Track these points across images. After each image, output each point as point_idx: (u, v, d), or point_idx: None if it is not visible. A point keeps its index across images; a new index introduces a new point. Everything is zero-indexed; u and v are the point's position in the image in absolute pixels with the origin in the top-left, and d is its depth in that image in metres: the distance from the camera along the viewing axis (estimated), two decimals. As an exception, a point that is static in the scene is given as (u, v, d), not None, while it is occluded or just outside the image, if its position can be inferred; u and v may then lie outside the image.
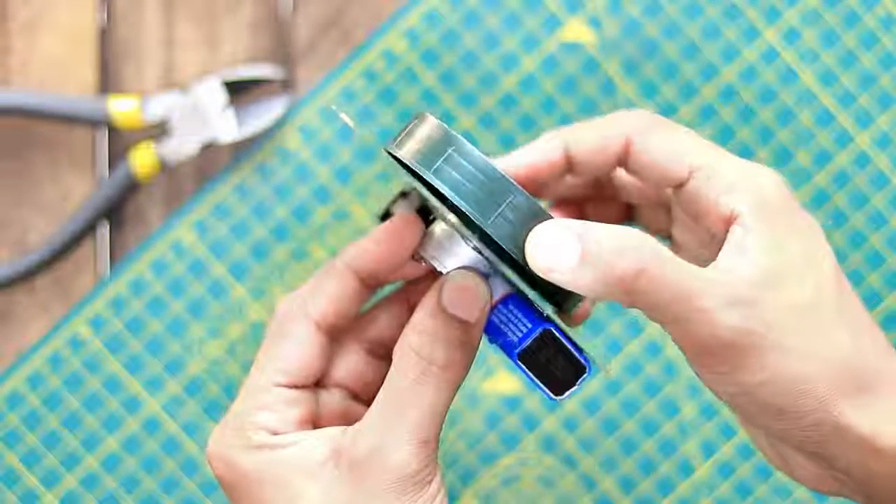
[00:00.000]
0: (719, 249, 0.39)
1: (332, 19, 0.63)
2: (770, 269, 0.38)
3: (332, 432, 0.40)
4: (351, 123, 0.40)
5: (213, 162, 0.63)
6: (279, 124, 0.62)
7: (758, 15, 0.62)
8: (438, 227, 0.42)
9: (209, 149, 0.62)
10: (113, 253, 0.63)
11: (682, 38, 0.62)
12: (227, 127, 0.61)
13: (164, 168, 0.61)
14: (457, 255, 0.41)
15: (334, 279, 0.42)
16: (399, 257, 0.42)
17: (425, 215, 0.43)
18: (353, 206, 0.62)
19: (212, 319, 0.62)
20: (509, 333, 0.40)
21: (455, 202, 0.37)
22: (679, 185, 0.41)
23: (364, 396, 0.44)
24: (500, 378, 0.62)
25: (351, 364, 0.44)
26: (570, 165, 0.43)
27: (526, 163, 0.43)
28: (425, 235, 0.42)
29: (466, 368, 0.40)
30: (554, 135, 0.43)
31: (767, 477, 0.62)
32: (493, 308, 0.41)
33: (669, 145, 0.41)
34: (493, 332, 0.41)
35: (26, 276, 0.61)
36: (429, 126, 0.39)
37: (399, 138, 0.39)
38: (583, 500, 0.63)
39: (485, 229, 0.37)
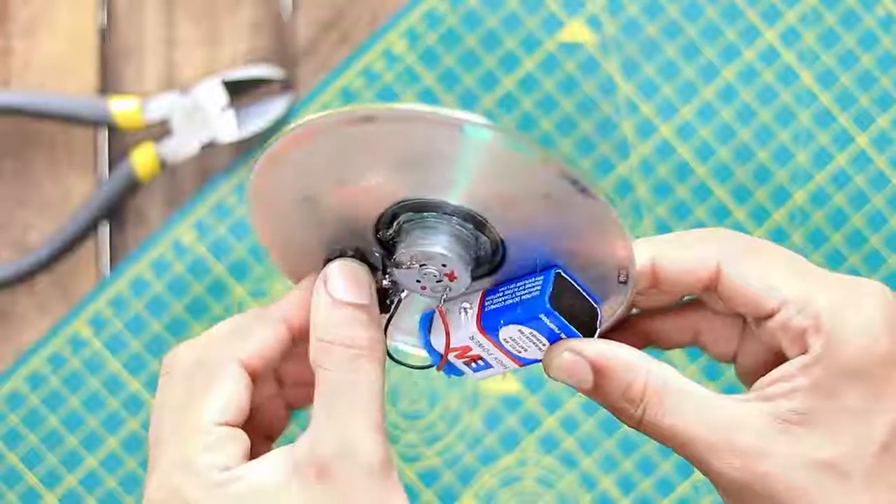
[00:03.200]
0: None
1: (332, 19, 0.63)
2: (804, 413, 0.38)
3: (280, 452, 0.39)
4: None
5: (213, 162, 0.63)
6: (279, 124, 0.62)
7: (757, 15, 0.62)
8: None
9: (209, 149, 0.62)
10: (113, 253, 0.63)
11: (682, 38, 0.62)
12: (227, 127, 0.61)
13: (165, 168, 0.61)
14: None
15: (266, 326, 0.42)
16: None
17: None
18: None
19: (212, 319, 0.62)
20: (523, 297, 0.40)
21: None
22: (767, 317, 0.40)
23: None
24: (500, 378, 0.62)
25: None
26: (656, 280, 0.42)
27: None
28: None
29: (384, 343, 0.40)
30: (645, 247, 0.42)
31: (767, 477, 0.62)
32: (482, 301, 0.41)
33: (762, 274, 0.40)
34: (499, 315, 0.40)
35: (26, 276, 0.62)
36: None
37: None
38: (583, 500, 0.63)
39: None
